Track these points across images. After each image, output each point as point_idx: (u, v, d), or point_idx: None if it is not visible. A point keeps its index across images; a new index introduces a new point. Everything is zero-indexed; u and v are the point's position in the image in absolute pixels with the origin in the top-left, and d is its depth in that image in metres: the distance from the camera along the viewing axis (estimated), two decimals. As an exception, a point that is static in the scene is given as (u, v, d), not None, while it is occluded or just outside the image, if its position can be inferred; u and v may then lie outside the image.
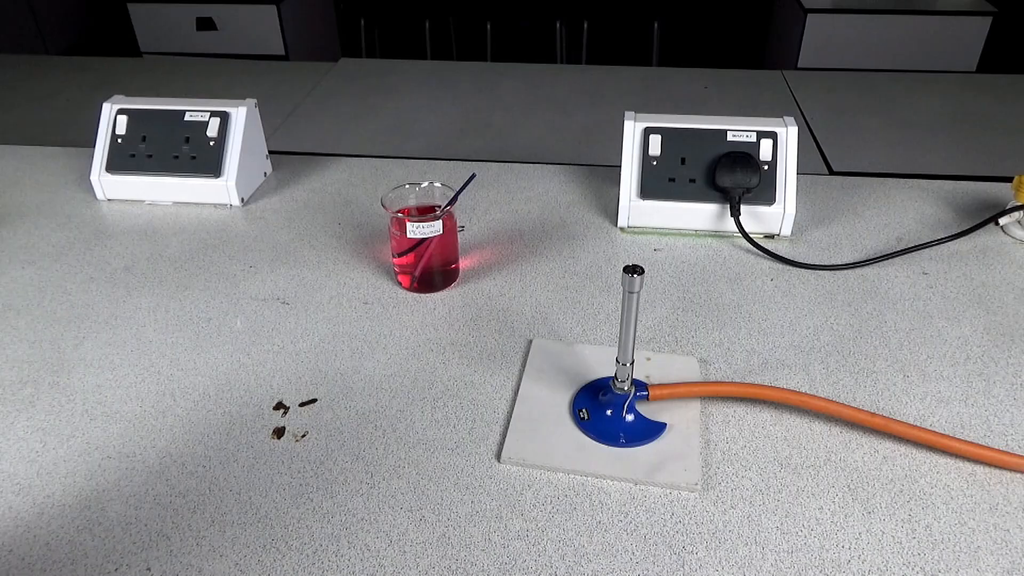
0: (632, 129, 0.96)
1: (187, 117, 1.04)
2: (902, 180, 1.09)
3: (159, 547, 0.59)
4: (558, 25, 3.06)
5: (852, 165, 1.30)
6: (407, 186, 0.86)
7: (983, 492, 0.62)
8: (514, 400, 0.71)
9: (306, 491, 0.63)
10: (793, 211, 0.93)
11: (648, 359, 0.76)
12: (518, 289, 0.87)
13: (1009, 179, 0.97)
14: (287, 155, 1.19)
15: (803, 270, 0.90)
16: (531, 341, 0.79)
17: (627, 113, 0.97)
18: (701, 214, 0.95)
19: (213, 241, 0.98)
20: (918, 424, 0.66)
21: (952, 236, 0.94)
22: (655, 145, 0.95)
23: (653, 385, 0.70)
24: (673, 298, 0.85)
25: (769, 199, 0.93)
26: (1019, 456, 0.64)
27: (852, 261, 0.91)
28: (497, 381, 0.74)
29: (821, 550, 0.58)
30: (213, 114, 1.04)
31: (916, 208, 1.02)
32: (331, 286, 0.88)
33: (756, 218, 0.94)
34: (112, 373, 0.76)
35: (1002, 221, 0.95)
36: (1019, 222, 0.95)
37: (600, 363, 0.75)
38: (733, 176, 0.92)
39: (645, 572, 0.56)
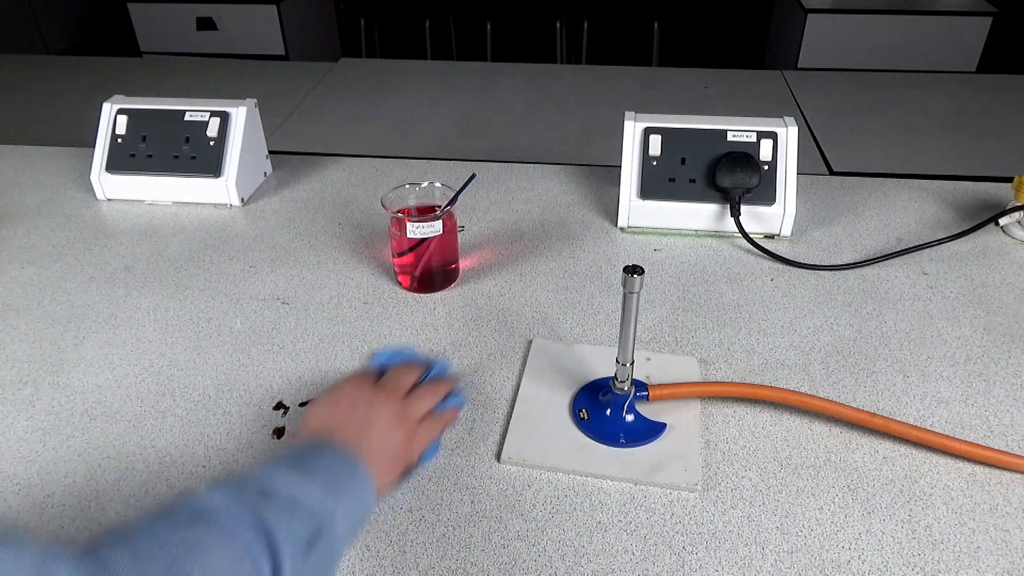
0: (632, 129, 0.96)
1: (187, 117, 1.04)
2: (902, 180, 1.09)
3: (159, 547, 0.58)
4: (558, 25, 3.06)
5: (852, 165, 1.31)
6: (407, 186, 0.86)
7: (983, 492, 0.62)
8: (514, 400, 0.71)
9: (306, 491, 0.63)
10: (793, 211, 0.93)
11: (648, 359, 0.76)
12: (518, 289, 0.87)
13: (1009, 179, 0.97)
14: (287, 155, 1.19)
15: (803, 270, 0.90)
16: (531, 341, 0.79)
17: (627, 113, 0.97)
18: (701, 214, 0.95)
19: (213, 241, 0.98)
20: (918, 424, 0.66)
21: (952, 236, 0.94)
22: (655, 145, 0.95)
23: (653, 385, 0.70)
24: (673, 298, 0.85)
25: (769, 199, 0.93)
26: (1019, 456, 0.64)
27: (852, 261, 0.91)
28: (497, 381, 0.74)
29: (821, 550, 0.58)
30: (213, 114, 1.04)
31: (916, 208, 1.02)
32: (331, 286, 0.88)
33: (756, 218, 0.94)
34: (112, 373, 0.76)
35: (1002, 221, 0.95)
36: (1019, 222, 0.95)
37: (600, 363, 0.75)
38: (733, 176, 0.92)
39: (645, 572, 0.56)
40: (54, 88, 1.68)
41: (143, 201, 1.06)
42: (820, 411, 0.68)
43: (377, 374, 0.62)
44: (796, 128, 0.94)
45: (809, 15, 2.49)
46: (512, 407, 0.70)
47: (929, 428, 0.66)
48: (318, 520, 0.46)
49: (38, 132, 1.48)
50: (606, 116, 1.51)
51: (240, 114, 1.04)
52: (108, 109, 1.06)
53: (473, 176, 0.88)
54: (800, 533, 0.59)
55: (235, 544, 0.42)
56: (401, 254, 0.85)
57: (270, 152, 1.13)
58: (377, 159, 1.18)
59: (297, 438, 0.55)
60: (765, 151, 0.93)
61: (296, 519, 0.45)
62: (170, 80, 1.74)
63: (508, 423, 0.69)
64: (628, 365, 0.65)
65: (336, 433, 0.54)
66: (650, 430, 0.67)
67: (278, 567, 0.42)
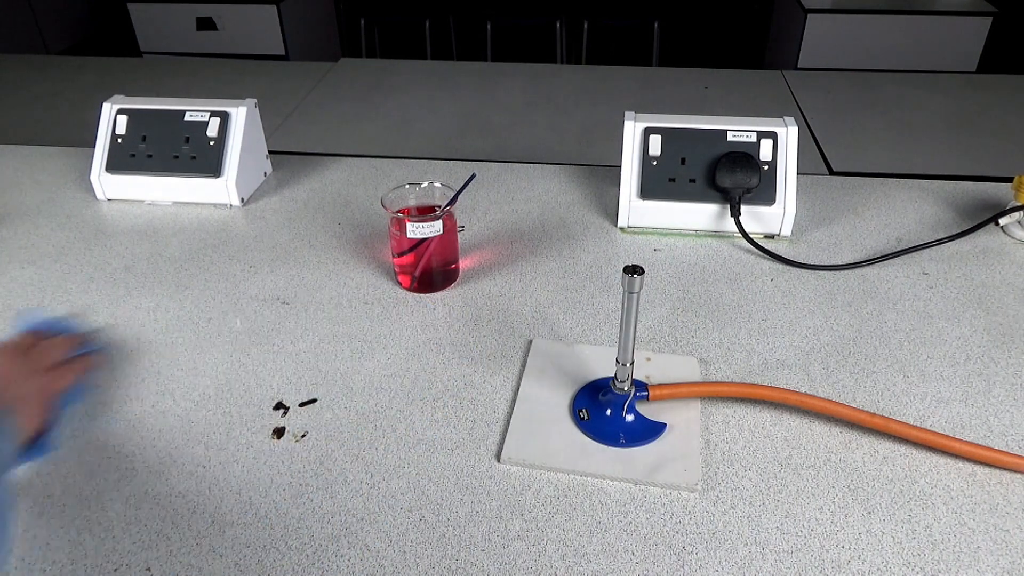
0: (632, 129, 0.96)
1: (187, 117, 1.04)
2: (902, 180, 1.09)
3: (159, 547, 0.59)
4: (558, 25, 3.06)
5: (852, 165, 1.31)
6: (407, 186, 0.86)
7: (983, 492, 0.62)
8: (514, 400, 0.71)
9: (306, 491, 0.63)
10: (793, 211, 0.93)
11: (648, 359, 0.75)
12: (518, 289, 0.87)
13: (1009, 179, 0.97)
14: (287, 155, 1.19)
15: (803, 270, 0.90)
16: (531, 341, 0.79)
17: (627, 113, 0.97)
18: (701, 214, 0.95)
19: (213, 241, 0.98)
20: (918, 424, 0.66)
21: (952, 236, 0.94)
22: (655, 145, 0.95)
23: (653, 385, 0.70)
24: (673, 298, 0.85)
25: (769, 199, 0.93)
26: (1019, 456, 0.64)
27: (852, 261, 0.91)
28: (497, 381, 0.74)
29: (821, 550, 0.58)
30: (213, 114, 1.04)
31: (916, 208, 1.02)
32: (331, 286, 0.88)
33: (756, 218, 0.94)
34: (112, 373, 0.76)
35: (1002, 221, 0.95)
36: (1019, 222, 0.95)
37: (600, 363, 0.75)
38: (733, 176, 0.92)
39: (645, 572, 0.56)
40: (54, 88, 1.68)
41: (143, 201, 1.06)
42: (820, 411, 0.68)
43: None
44: (796, 128, 0.94)
45: (809, 15, 2.49)
46: (512, 407, 0.70)
47: (929, 428, 0.66)
48: None
49: (38, 132, 1.48)
50: (606, 116, 1.51)
51: (240, 114, 1.04)
52: (108, 109, 1.06)
53: (473, 176, 0.88)
54: (800, 533, 0.59)
55: None
56: (401, 254, 0.85)
57: (270, 152, 1.13)
58: (377, 159, 1.18)
59: None
60: (765, 151, 0.93)
61: None
62: (170, 80, 1.74)
63: (508, 423, 0.69)
64: (628, 365, 0.65)
65: None
66: (650, 430, 0.67)
67: None
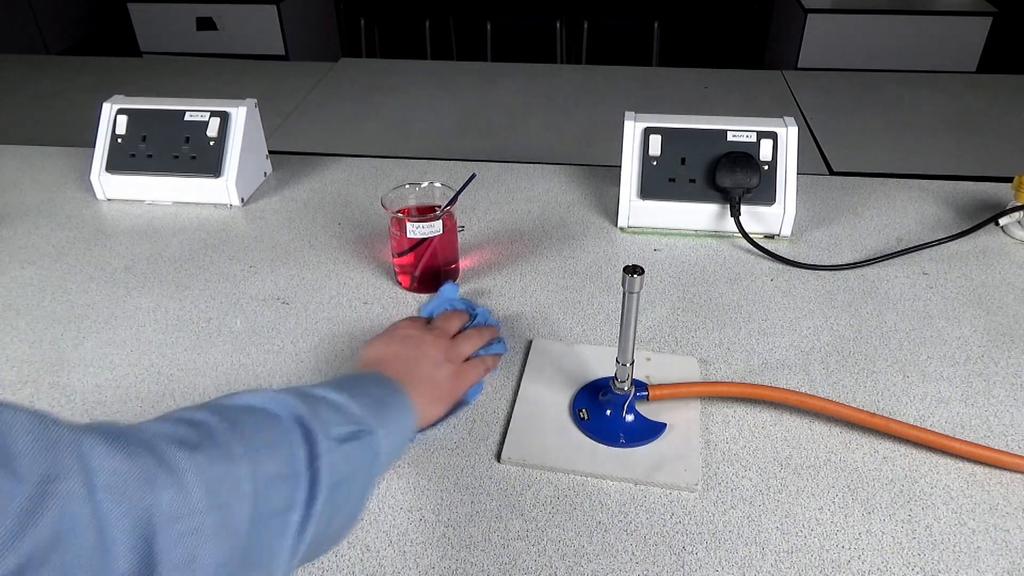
0: (632, 129, 0.96)
1: (187, 117, 1.04)
2: (902, 180, 1.09)
3: (159, 547, 0.58)
4: (558, 25, 3.06)
5: (852, 165, 1.31)
6: (407, 186, 0.86)
7: (983, 492, 0.62)
8: (514, 400, 0.71)
9: (306, 491, 0.63)
10: (793, 211, 0.93)
11: (648, 359, 0.75)
12: (518, 289, 0.87)
13: (1009, 179, 0.97)
14: (287, 155, 1.19)
15: (803, 270, 0.90)
16: (531, 341, 0.79)
17: (627, 113, 0.97)
18: (701, 214, 0.95)
19: (213, 241, 0.98)
20: (918, 424, 0.66)
21: (952, 236, 0.94)
22: (655, 145, 0.95)
23: (653, 385, 0.70)
24: (673, 298, 0.85)
25: (769, 199, 0.93)
26: (1019, 456, 0.64)
27: (852, 261, 0.91)
28: (497, 381, 0.74)
29: (821, 550, 0.58)
30: (213, 114, 1.04)
31: (916, 208, 1.02)
32: (331, 286, 0.88)
33: (756, 218, 0.94)
34: (112, 373, 0.76)
35: (1002, 221, 0.95)
36: (1019, 222, 0.95)
37: (600, 363, 0.75)
38: (733, 176, 0.92)
39: (645, 572, 0.56)
40: (54, 88, 1.68)
41: (143, 201, 1.06)
42: (820, 411, 0.68)
43: (427, 320, 0.69)
44: (796, 128, 0.94)
45: (809, 15, 2.50)
46: (512, 407, 0.70)
47: (929, 428, 0.66)
48: (355, 427, 0.48)
49: (38, 132, 1.48)
50: (606, 116, 1.51)
51: (240, 114, 1.04)
52: (108, 109, 1.06)
53: (473, 176, 0.88)
54: (800, 533, 0.59)
55: (279, 425, 0.44)
56: (401, 254, 0.85)
57: (270, 152, 1.13)
58: (377, 159, 1.18)
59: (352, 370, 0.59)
60: (765, 151, 0.93)
61: (332, 422, 0.47)
62: (170, 80, 1.74)
63: (508, 423, 0.69)
64: (628, 365, 0.65)
65: (385, 365, 0.59)
66: (650, 430, 0.67)
67: (314, 454, 0.44)
